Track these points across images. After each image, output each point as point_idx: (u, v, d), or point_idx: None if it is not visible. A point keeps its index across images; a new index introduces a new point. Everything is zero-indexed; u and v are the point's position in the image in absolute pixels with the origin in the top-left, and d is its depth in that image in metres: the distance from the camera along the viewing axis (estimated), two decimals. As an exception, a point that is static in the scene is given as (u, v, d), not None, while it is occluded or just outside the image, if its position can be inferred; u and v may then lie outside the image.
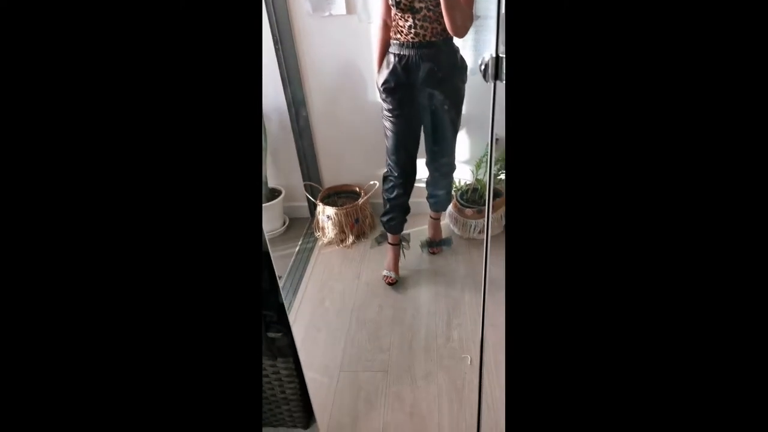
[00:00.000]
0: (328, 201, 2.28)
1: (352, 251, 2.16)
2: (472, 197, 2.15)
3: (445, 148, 1.76)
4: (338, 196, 2.34)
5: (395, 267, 1.95)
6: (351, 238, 2.19)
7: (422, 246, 2.06)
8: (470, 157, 2.20)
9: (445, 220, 2.13)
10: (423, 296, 1.86)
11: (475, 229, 2.09)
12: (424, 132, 1.73)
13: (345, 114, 2.13)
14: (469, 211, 2.07)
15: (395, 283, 1.91)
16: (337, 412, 1.43)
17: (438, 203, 1.99)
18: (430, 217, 2.05)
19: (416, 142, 1.73)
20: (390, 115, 1.65)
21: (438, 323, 1.72)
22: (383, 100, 1.63)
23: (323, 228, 2.22)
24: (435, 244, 2.07)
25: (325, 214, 2.17)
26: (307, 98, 2.08)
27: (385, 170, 1.80)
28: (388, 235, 1.95)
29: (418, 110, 1.65)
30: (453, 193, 2.17)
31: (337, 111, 2.11)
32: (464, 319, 1.72)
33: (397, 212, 1.86)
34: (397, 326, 1.72)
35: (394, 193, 1.79)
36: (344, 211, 2.15)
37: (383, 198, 1.85)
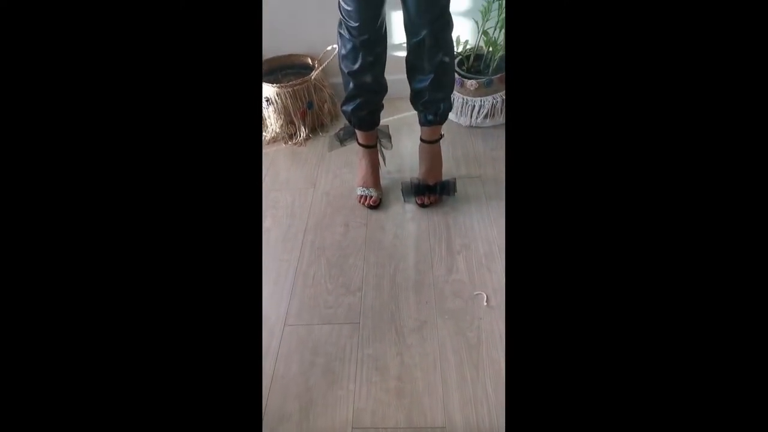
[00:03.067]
0: (268, 78, 1.59)
1: (305, 151, 1.52)
2: (476, 65, 1.49)
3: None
4: (282, 72, 1.64)
5: (374, 181, 1.27)
6: (303, 132, 1.54)
7: (405, 192, 1.26)
8: (472, 3, 1.50)
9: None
10: (409, 208, 1.27)
11: (480, 111, 1.46)
12: None
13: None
14: (471, 84, 1.42)
15: (379, 204, 1.27)
16: (280, 392, 0.89)
17: (430, 105, 1.14)
18: (422, 139, 1.23)
19: None
20: None
21: (434, 246, 1.15)
22: None
23: (264, 117, 1.55)
24: (427, 190, 1.23)
25: (264, 95, 1.49)
26: None
27: (339, 26, 1.07)
28: (357, 132, 1.24)
29: None
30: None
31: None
32: (473, 238, 1.16)
33: (366, 94, 1.13)
34: (373, 253, 1.15)
35: (358, 62, 1.06)
36: (290, 90, 1.47)
37: (341, 71, 1.13)
